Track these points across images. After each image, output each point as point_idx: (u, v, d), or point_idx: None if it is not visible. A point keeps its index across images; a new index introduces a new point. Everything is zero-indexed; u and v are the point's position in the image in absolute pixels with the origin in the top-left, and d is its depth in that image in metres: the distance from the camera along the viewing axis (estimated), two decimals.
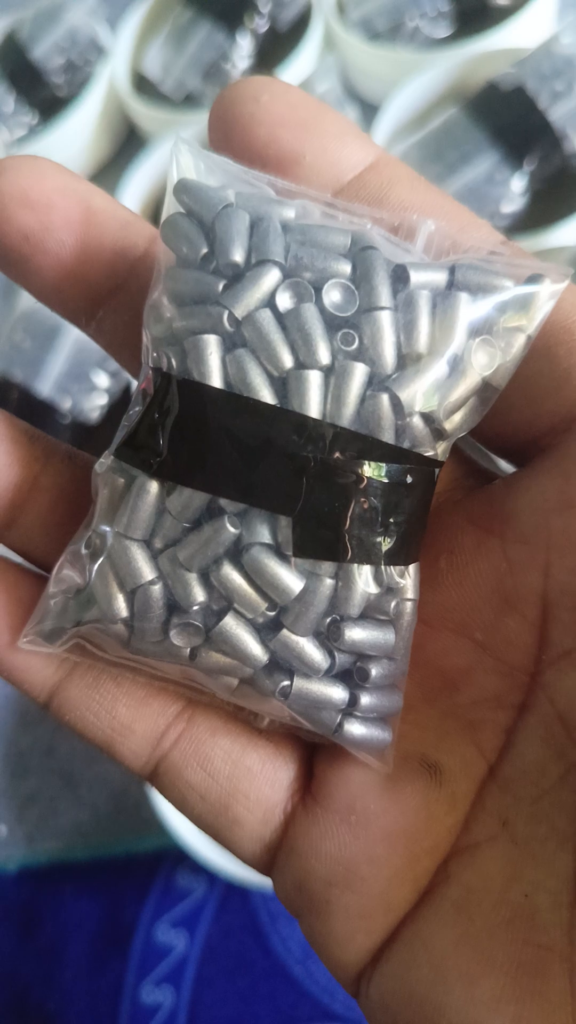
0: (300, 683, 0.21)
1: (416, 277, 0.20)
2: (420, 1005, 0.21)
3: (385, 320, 0.20)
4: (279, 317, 0.20)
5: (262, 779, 0.23)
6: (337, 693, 0.21)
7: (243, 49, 0.74)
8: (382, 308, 0.20)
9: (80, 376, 0.62)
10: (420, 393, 0.20)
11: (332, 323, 0.20)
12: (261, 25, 0.74)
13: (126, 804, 0.57)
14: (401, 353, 0.20)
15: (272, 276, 0.20)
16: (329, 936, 0.22)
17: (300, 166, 0.22)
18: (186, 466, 0.20)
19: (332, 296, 0.20)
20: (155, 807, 0.52)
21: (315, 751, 0.24)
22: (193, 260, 0.21)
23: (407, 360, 0.20)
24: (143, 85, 0.77)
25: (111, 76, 0.77)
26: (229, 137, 0.22)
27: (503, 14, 0.69)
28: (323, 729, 0.22)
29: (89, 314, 0.23)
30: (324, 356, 0.20)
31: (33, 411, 0.60)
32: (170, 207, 0.21)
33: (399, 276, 0.20)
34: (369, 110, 0.72)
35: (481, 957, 0.21)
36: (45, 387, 0.61)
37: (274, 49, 0.74)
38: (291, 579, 0.20)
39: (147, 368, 0.21)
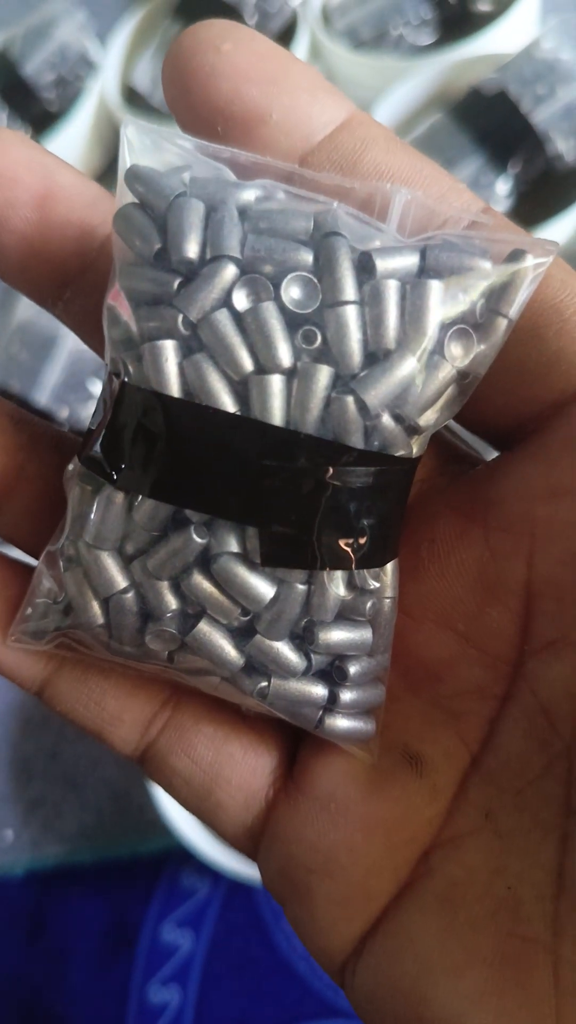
0: (278, 683, 0.21)
1: (383, 265, 0.19)
2: (405, 997, 0.21)
3: (349, 316, 0.18)
4: (237, 318, 0.19)
5: (244, 766, 0.23)
6: (317, 691, 0.21)
7: None
8: (345, 303, 0.18)
9: (76, 386, 0.63)
10: (388, 392, 0.19)
11: (294, 320, 0.19)
12: None
13: (130, 806, 0.57)
14: (368, 350, 0.19)
15: (228, 273, 0.19)
16: (311, 923, 0.22)
17: (266, 125, 0.20)
18: (148, 477, 0.20)
19: (291, 292, 0.19)
20: (158, 808, 0.52)
21: (301, 739, 0.24)
22: (147, 256, 0.19)
23: (375, 357, 0.19)
24: (133, 98, 0.78)
25: (102, 90, 0.78)
26: (188, 91, 0.20)
27: (485, 20, 0.70)
28: (305, 724, 0.22)
29: (56, 295, 0.22)
30: (285, 358, 0.18)
31: None
32: (122, 196, 0.20)
33: (364, 265, 0.19)
34: None
35: (465, 950, 0.20)
36: (42, 397, 0.62)
37: None
38: (262, 587, 0.20)
39: (107, 374, 0.21)
